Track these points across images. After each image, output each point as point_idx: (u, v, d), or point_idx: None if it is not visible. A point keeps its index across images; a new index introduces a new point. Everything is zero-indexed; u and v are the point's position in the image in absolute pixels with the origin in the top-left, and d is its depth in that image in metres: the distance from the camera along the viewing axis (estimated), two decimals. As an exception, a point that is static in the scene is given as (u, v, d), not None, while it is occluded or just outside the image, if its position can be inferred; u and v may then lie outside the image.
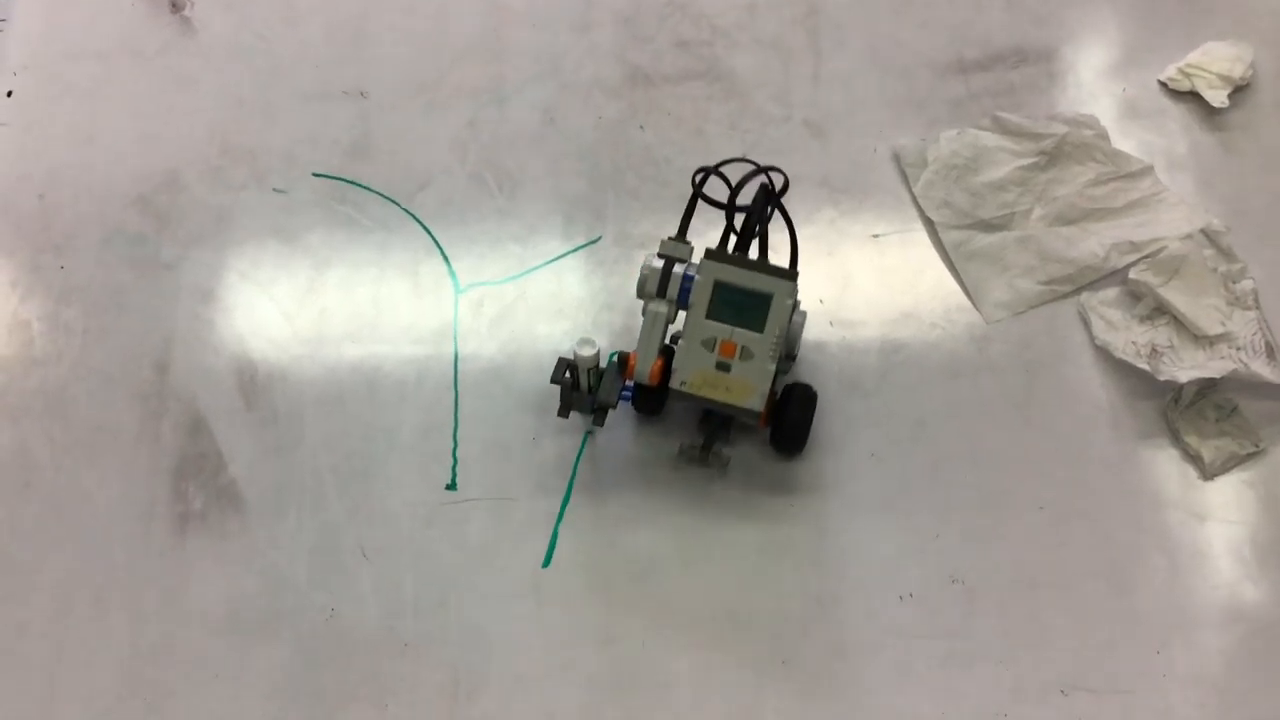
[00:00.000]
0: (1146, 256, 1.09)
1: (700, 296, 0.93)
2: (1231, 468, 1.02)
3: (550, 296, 1.10)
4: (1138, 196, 1.13)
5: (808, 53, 1.24)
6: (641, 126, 1.19)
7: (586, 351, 0.92)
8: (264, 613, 0.95)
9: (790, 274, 0.95)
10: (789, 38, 1.24)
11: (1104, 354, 1.05)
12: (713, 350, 0.93)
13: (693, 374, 0.93)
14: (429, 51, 1.23)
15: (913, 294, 1.10)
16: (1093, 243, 1.10)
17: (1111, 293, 1.09)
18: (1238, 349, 1.04)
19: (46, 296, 1.08)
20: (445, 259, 1.11)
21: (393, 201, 1.14)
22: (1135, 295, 1.08)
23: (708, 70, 1.23)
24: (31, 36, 1.22)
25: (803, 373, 1.05)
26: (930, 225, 1.13)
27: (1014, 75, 1.21)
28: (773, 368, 0.93)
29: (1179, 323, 1.05)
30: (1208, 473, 1.01)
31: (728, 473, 1.00)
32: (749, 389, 0.93)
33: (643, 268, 0.95)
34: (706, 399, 0.94)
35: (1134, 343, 1.05)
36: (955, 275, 1.11)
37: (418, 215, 1.13)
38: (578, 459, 1.02)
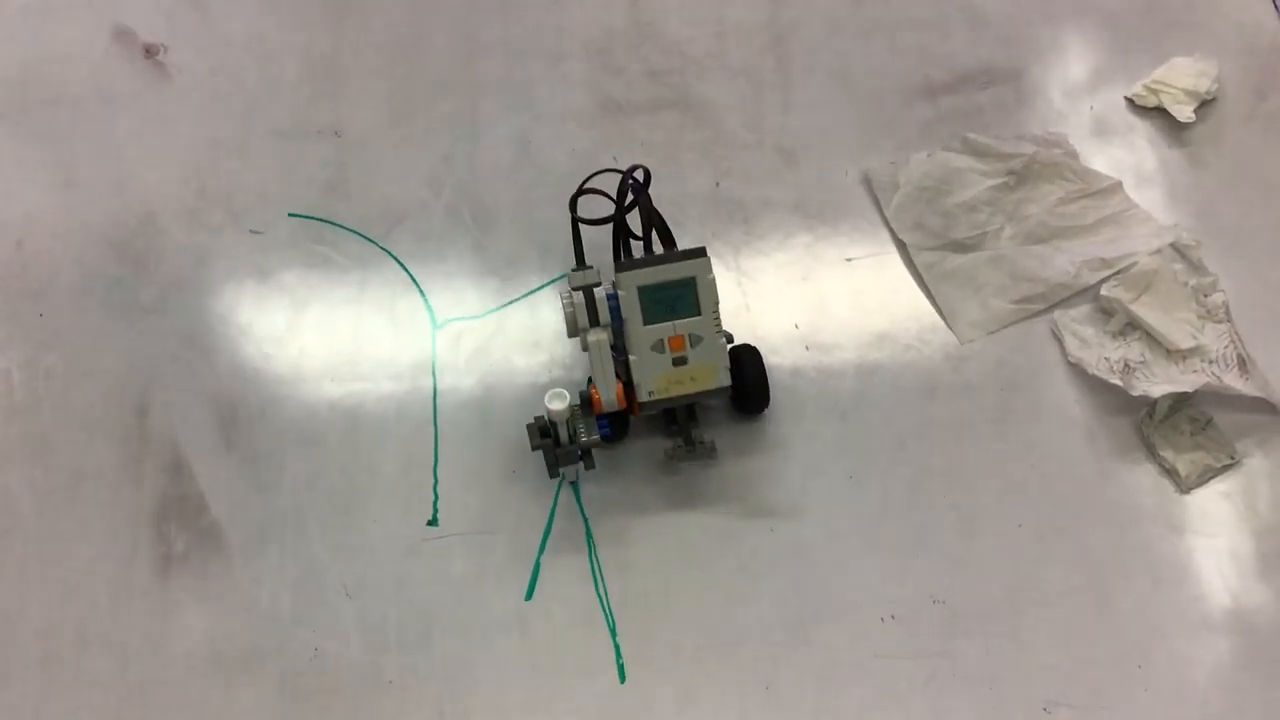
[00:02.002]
0: (1117, 273, 1.10)
1: (630, 308, 0.95)
2: (1208, 480, 1.02)
3: (528, 330, 1.10)
4: (1108, 213, 1.14)
5: (777, 79, 1.25)
6: (615, 156, 1.19)
7: (558, 405, 0.93)
8: (247, 652, 0.96)
9: (698, 251, 0.96)
10: (759, 65, 1.26)
11: (1078, 371, 1.06)
12: (664, 351, 0.95)
13: (655, 381, 0.95)
14: (402, 87, 1.24)
15: (887, 316, 1.11)
16: (1064, 260, 1.11)
17: (1083, 310, 1.10)
18: (1210, 362, 1.05)
19: (25, 343, 1.09)
20: (422, 295, 1.12)
21: (368, 239, 1.15)
22: (1107, 311, 1.09)
23: (679, 99, 1.24)
24: (6, 83, 1.23)
25: (780, 396, 1.05)
26: (903, 247, 1.14)
27: (982, 96, 1.23)
28: (722, 340, 0.96)
29: (1151, 338, 1.06)
30: (1184, 486, 1.02)
31: (719, 456, 1.01)
32: (711, 370, 0.96)
33: (565, 306, 0.96)
34: (679, 397, 0.96)
35: (1107, 359, 1.06)
36: (929, 296, 1.12)
37: (394, 252, 1.14)
38: (557, 492, 1.02)
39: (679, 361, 0.95)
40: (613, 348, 0.97)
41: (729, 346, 0.99)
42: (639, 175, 0.99)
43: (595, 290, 0.96)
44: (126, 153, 1.19)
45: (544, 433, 0.96)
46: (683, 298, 0.95)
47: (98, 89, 1.23)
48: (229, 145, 1.20)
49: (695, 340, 0.96)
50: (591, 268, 0.98)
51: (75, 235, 1.14)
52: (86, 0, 1.27)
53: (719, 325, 0.96)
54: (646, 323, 0.95)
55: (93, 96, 1.22)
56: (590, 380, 0.96)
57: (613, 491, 1.02)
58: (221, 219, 1.15)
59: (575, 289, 0.97)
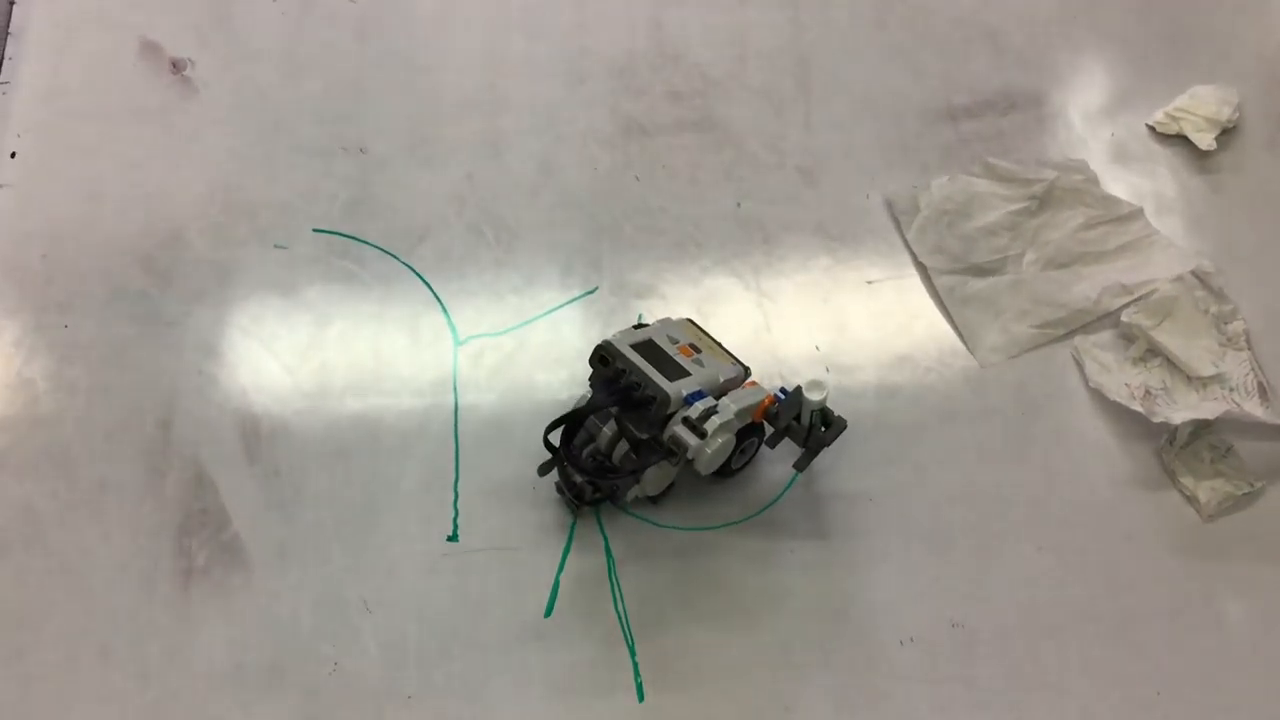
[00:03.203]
0: (1138, 299, 1.10)
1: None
2: (1228, 508, 1.02)
3: (548, 346, 1.11)
4: (1128, 240, 1.14)
5: (799, 101, 1.25)
6: (637, 177, 1.20)
7: (817, 395, 0.93)
8: (268, 666, 0.96)
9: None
10: (780, 87, 1.26)
11: (1098, 396, 1.06)
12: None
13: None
14: (426, 106, 1.25)
15: (907, 339, 1.12)
16: (1085, 286, 1.11)
17: (1105, 335, 1.10)
18: (1230, 390, 1.05)
19: (50, 355, 1.09)
20: (444, 311, 1.13)
21: (392, 255, 1.15)
22: (1128, 338, 1.09)
23: (701, 120, 1.24)
24: (34, 98, 1.24)
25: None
26: (923, 270, 1.14)
27: (1003, 121, 1.23)
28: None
29: (1172, 364, 1.07)
30: (1204, 513, 1.02)
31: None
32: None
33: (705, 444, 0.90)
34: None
35: (1127, 385, 1.06)
36: (949, 320, 1.12)
37: (416, 269, 1.15)
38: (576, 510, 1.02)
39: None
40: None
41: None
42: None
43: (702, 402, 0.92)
44: (152, 167, 1.20)
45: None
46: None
47: (124, 103, 1.24)
48: (254, 160, 1.20)
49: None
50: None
51: (101, 248, 1.15)
52: (114, 15, 1.28)
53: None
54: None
55: (119, 110, 1.23)
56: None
57: (632, 510, 1.02)
58: (246, 233, 1.16)
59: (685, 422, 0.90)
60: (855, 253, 1.16)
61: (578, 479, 0.98)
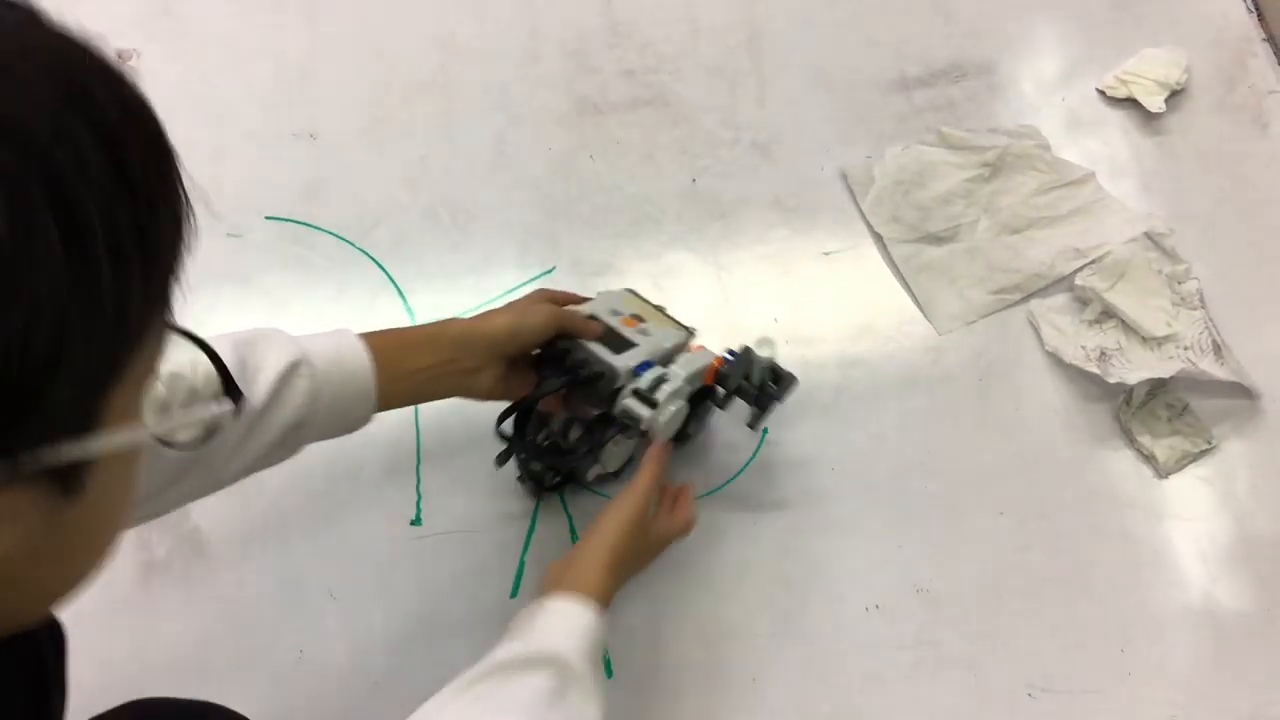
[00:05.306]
0: (1092, 262, 1.11)
1: None
2: (1185, 465, 1.03)
3: (507, 328, 1.10)
4: (1081, 203, 1.15)
5: (752, 76, 1.25)
6: (591, 156, 1.20)
7: (765, 352, 0.92)
8: (232, 656, 0.95)
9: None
10: (734, 62, 1.26)
11: (1055, 359, 1.07)
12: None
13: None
14: (377, 90, 1.24)
15: (866, 309, 1.12)
16: (1039, 251, 1.12)
17: (1060, 299, 1.11)
18: (1185, 349, 1.06)
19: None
20: (401, 295, 1.12)
21: (347, 241, 1.14)
22: (1082, 301, 1.10)
23: (655, 97, 1.24)
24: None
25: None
26: (880, 240, 1.14)
27: (955, 90, 1.23)
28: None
29: (1126, 326, 1.07)
30: (1162, 471, 1.03)
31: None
32: None
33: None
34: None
35: (1083, 347, 1.06)
36: (906, 288, 1.12)
37: (372, 254, 1.14)
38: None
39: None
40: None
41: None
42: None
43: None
44: (100, 159, 1.18)
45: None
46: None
47: (70, 95, 1.22)
48: (204, 149, 1.19)
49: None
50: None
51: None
52: (55, 7, 1.26)
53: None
54: None
55: (65, 103, 1.21)
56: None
57: (595, 487, 1.02)
58: (198, 223, 1.14)
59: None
60: (812, 224, 1.16)
61: (536, 465, 0.98)
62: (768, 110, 1.23)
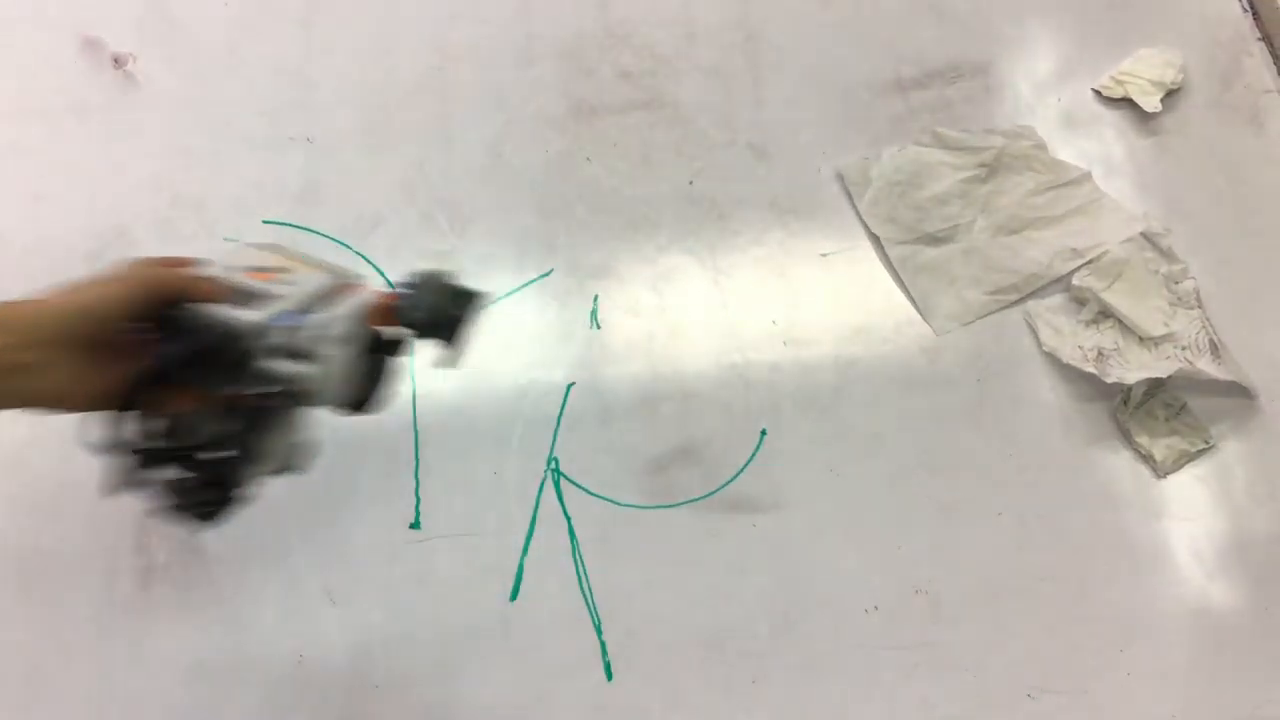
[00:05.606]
0: (1089, 262, 1.11)
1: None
2: (1183, 465, 1.03)
3: (505, 331, 1.10)
4: (1077, 203, 1.15)
5: (748, 77, 1.25)
6: (588, 158, 1.20)
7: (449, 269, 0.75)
8: (232, 661, 0.95)
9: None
10: (729, 63, 1.26)
11: (1052, 360, 1.07)
12: None
13: None
14: (374, 94, 1.23)
15: (863, 310, 1.12)
16: (1036, 251, 1.12)
17: (1057, 299, 1.11)
18: (1183, 348, 1.06)
19: (-1, 357, 1.08)
20: (399, 299, 1.12)
21: (344, 245, 1.14)
22: (1080, 301, 1.10)
23: (651, 99, 1.24)
24: (-26, 97, 1.22)
25: (760, 391, 1.06)
26: (877, 241, 1.14)
27: (951, 90, 1.23)
28: None
29: (1124, 325, 1.07)
30: (1160, 471, 1.03)
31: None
32: None
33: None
34: None
35: (1080, 347, 1.07)
36: (904, 289, 1.12)
37: (369, 257, 1.14)
38: (539, 492, 1.02)
39: None
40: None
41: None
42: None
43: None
44: (96, 164, 1.18)
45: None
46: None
47: (66, 100, 1.22)
48: (201, 154, 1.19)
49: None
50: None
51: (47, 249, 1.13)
52: (53, 13, 1.26)
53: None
54: None
55: (61, 108, 1.21)
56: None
57: (602, 489, 1.02)
58: (194, 228, 1.15)
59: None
60: (809, 226, 1.16)
61: (182, 483, 0.69)
62: (763, 111, 1.23)
